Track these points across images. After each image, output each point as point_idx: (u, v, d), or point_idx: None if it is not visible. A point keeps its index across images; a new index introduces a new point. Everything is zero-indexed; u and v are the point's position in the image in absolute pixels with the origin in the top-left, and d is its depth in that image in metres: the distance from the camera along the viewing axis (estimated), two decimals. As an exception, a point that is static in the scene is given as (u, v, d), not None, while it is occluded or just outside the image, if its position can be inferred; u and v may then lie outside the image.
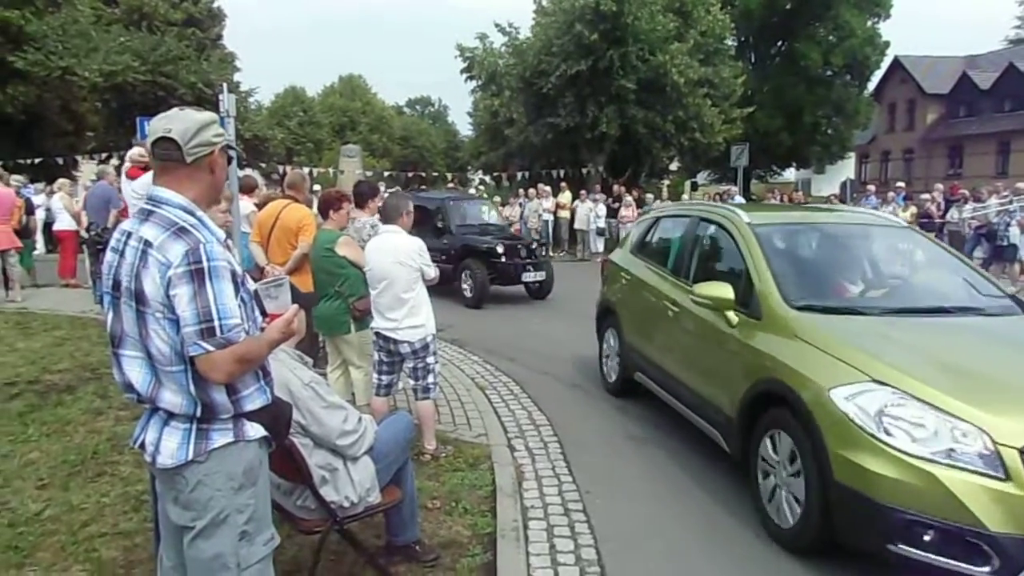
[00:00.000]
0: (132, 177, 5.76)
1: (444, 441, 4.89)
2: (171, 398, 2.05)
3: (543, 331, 9.15)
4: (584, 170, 21.44)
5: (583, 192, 18.61)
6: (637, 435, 5.40)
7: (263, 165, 23.13)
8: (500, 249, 10.86)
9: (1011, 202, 13.13)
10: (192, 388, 2.03)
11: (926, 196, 16.52)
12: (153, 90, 21.13)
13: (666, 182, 29.01)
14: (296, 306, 2.32)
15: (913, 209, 16.67)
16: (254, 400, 2.13)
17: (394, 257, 4.40)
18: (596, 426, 5.58)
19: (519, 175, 22.18)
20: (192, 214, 2.06)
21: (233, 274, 2.05)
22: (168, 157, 2.06)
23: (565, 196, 18.77)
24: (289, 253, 5.34)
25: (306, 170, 20.35)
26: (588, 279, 10.21)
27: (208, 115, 2.15)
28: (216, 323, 1.96)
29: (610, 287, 6.63)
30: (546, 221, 18.12)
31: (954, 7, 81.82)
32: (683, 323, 4.96)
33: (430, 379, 4.57)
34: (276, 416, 2.26)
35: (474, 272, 10.68)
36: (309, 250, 5.12)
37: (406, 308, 4.44)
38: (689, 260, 5.28)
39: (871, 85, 33.58)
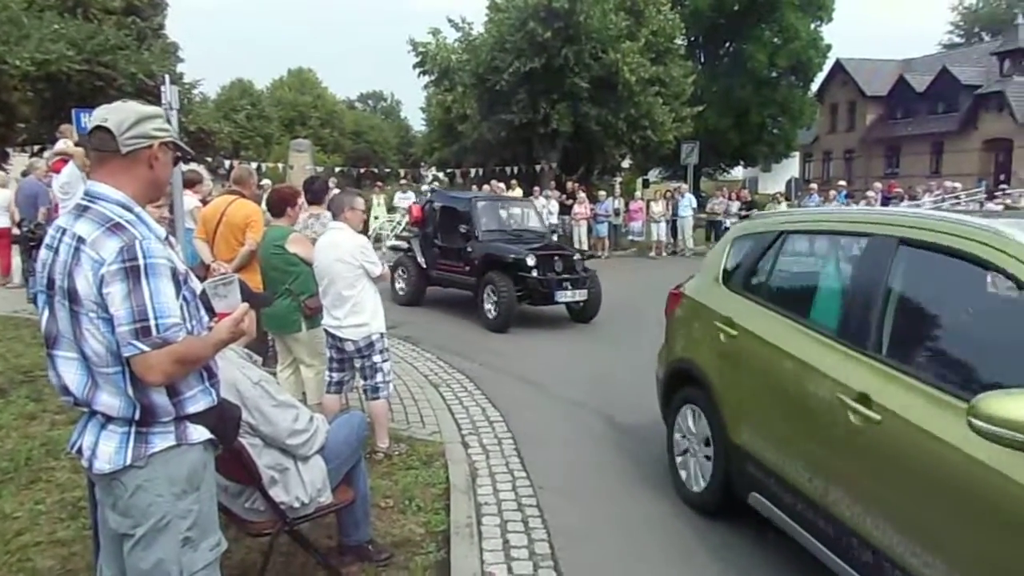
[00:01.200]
0: (55, 171, 5.54)
1: (397, 439, 4.85)
2: (108, 400, 1.97)
3: (493, 332, 9.15)
4: (537, 167, 21.53)
5: (536, 189, 18.67)
6: (592, 430, 5.46)
7: (209, 159, 22.46)
8: (530, 261, 8.79)
9: (943, 200, 13.74)
10: (130, 390, 1.96)
11: (871, 193, 17.19)
12: (90, 80, 20.26)
13: (619, 179, 29.34)
14: (246, 305, 2.26)
15: (853, 207, 17.34)
16: (198, 402, 2.07)
17: (335, 254, 4.35)
18: (551, 422, 5.62)
19: (473, 171, 22.13)
20: (130, 210, 1.98)
21: (174, 272, 1.98)
22: (102, 147, 1.98)
23: (518, 193, 18.79)
24: (236, 250, 5.20)
25: (254, 165, 19.89)
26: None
27: (152, 109, 2.08)
28: (152, 322, 1.88)
29: (687, 338, 4.37)
30: (500, 217, 18.11)
31: (892, 13, 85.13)
32: (886, 444, 2.63)
33: (379, 378, 4.53)
34: (223, 418, 2.20)
35: (498, 288, 8.66)
36: (257, 247, 5.00)
37: (348, 306, 4.38)
38: (878, 316, 2.91)
39: (814, 86, 34.70)
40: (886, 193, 17.17)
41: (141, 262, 1.89)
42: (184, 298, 2.03)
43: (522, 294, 8.88)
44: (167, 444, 2.01)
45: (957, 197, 14.20)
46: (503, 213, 10.47)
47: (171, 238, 2.12)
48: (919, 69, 36.02)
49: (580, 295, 9.07)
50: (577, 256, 9.56)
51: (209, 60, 61.87)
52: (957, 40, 46.64)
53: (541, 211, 12.17)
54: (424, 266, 10.21)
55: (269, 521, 2.80)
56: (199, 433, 2.08)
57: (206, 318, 2.17)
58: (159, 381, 1.94)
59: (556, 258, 9.20)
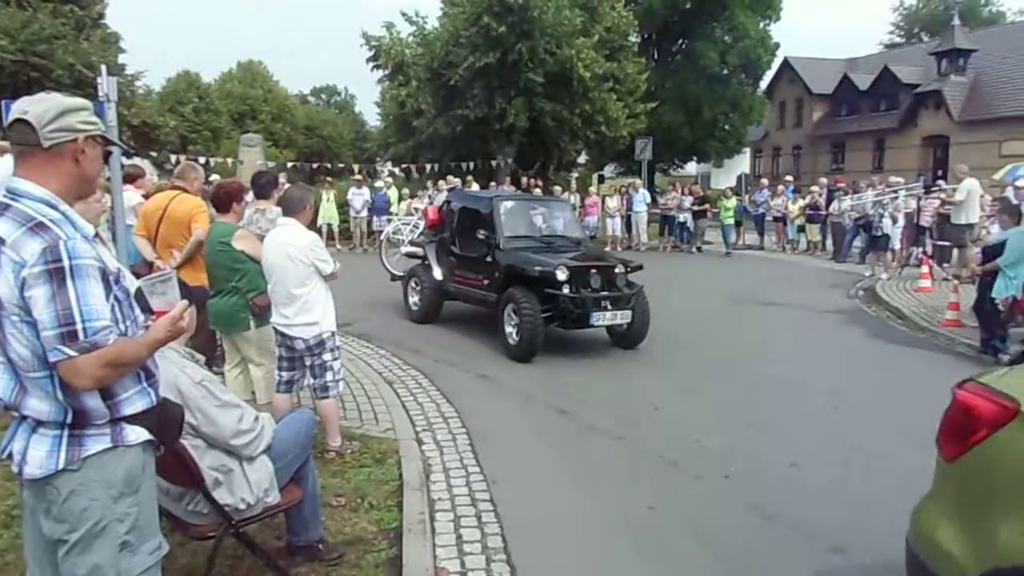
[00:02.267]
0: None
1: (350, 437, 4.81)
2: (37, 405, 1.90)
3: (450, 325, 9.13)
4: (493, 162, 21.52)
5: (493, 184, 18.66)
6: (545, 424, 5.50)
7: (154, 154, 21.75)
8: (561, 275, 7.12)
9: (884, 194, 14.23)
10: (59, 394, 1.89)
11: (815, 188, 17.70)
12: (24, 71, 19.42)
13: (575, 175, 29.54)
14: (184, 302, 2.20)
15: (801, 201, 17.85)
16: (134, 403, 2.01)
17: (285, 251, 4.28)
18: (504, 417, 5.64)
19: (428, 167, 21.98)
20: (55, 208, 1.90)
21: (103, 272, 1.91)
22: (22, 141, 1.90)
23: (474, 188, 18.74)
24: (180, 246, 5.06)
25: (203, 160, 19.36)
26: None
27: (77, 101, 2.00)
28: (79, 326, 1.82)
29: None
30: (456, 213, 18.04)
31: (837, 13, 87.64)
32: None
33: (329, 377, 4.47)
34: (164, 419, 2.14)
35: (520, 307, 7.07)
36: (204, 237, 4.87)
37: (298, 304, 4.32)
38: None
39: (763, 84, 35.50)
40: (831, 187, 17.69)
41: (66, 263, 1.82)
42: (116, 298, 1.97)
43: (551, 315, 7.24)
44: (102, 446, 1.95)
45: (896, 192, 14.71)
46: (531, 216, 8.73)
47: (101, 235, 2.05)
48: (862, 68, 37.22)
49: (622, 317, 7.38)
50: (620, 268, 7.68)
51: (153, 51, 59.83)
52: (898, 40, 48.28)
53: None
54: (439, 278, 8.81)
55: (213, 523, 2.74)
56: (136, 434, 2.02)
57: (141, 317, 2.11)
58: (89, 386, 1.88)
59: (593, 271, 7.46)
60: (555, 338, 7.62)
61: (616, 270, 7.66)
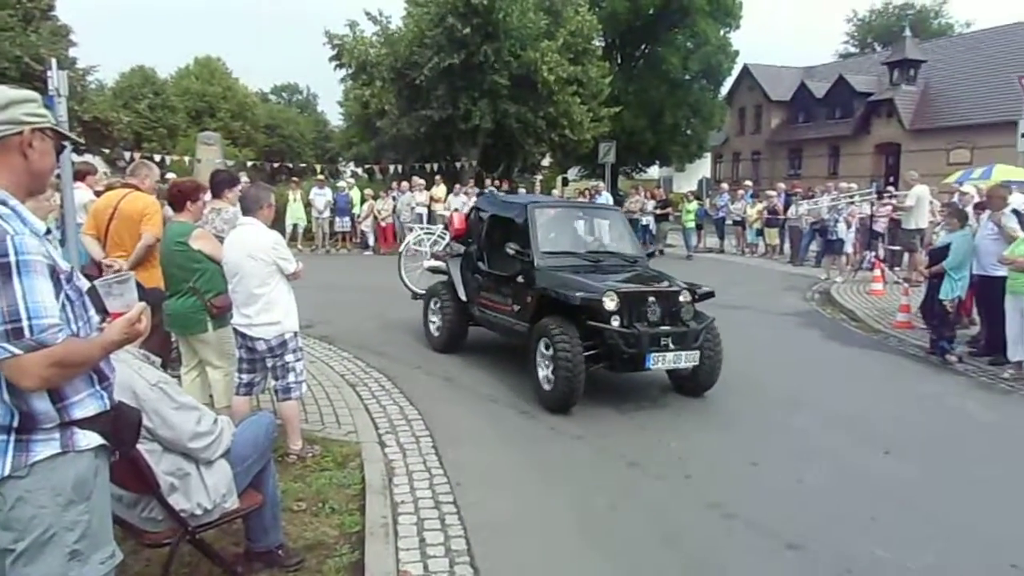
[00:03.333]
0: None
1: (311, 440, 4.74)
2: None
3: (414, 327, 9.07)
4: (458, 164, 21.47)
5: (457, 186, 18.62)
6: (508, 426, 5.50)
7: (106, 151, 21.13)
8: (609, 303, 5.64)
9: (839, 200, 14.63)
10: (6, 396, 1.82)
11: (772, 193, 18.12)
12: (-31, 63, 18.70)
13: (539, 177, 29.68)
14: (142, 304, 2.14)
15: (760, 206, 18.24)
16: (86, 407, 1.95)
17: (246, 251, 4.20)
18: (468, 418, 5.63)
19: (392, 168, 21.81)
20: (3, 203, 1.84)
21: (52, 269, 1.86)
22: None
23: (440, 190, 18.69)
24: (130, 246, 4.92)
25: (158, 158, 18.87)
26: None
27: (21, 93, 1.93)
28: (25, 323, 1.76)
29: None
30: (419, 215, 17.96)
31: (794, 22, 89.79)
32: None
33: (291, 378, 4.41)
34: (119, 423, 2.08)
35: (556, 343, 5.55)
36: (154, 241, 4.74)
37: (260, 304, 4.25)
38: None
39: (724, 90, 36.19)
40: (789, 192, 18.13)
41: (12, 259, 1.76)
42: (67, 297, 1.91)
43: (596, 353, 5.77)
44: (51, 452, 1.89)
45: (851, 198, 15.16)
46: (575, 227, 7.35)
47: (52, 233, 1.98)
48: (818, 76, 38.22)
49: (688, 358, 5.79)
50: (686, 295, 6.02)
51: (106, 45, 57.92)
52: (852, 50, 49.72)
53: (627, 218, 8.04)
54: (464, 299, 7.34)
55: (169, 530, 2.67)
56: (88, 439, 1.95)
57: (95, 318, 2.05)
58: (35, 386, 1.81)
59: (651, 298, 5.86)
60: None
61: (681, 297, 5.96)
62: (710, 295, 6.34)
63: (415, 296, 8.90)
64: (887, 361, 7.88)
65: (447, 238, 9.39)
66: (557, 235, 6.96)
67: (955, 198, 10.38)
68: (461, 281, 7.42)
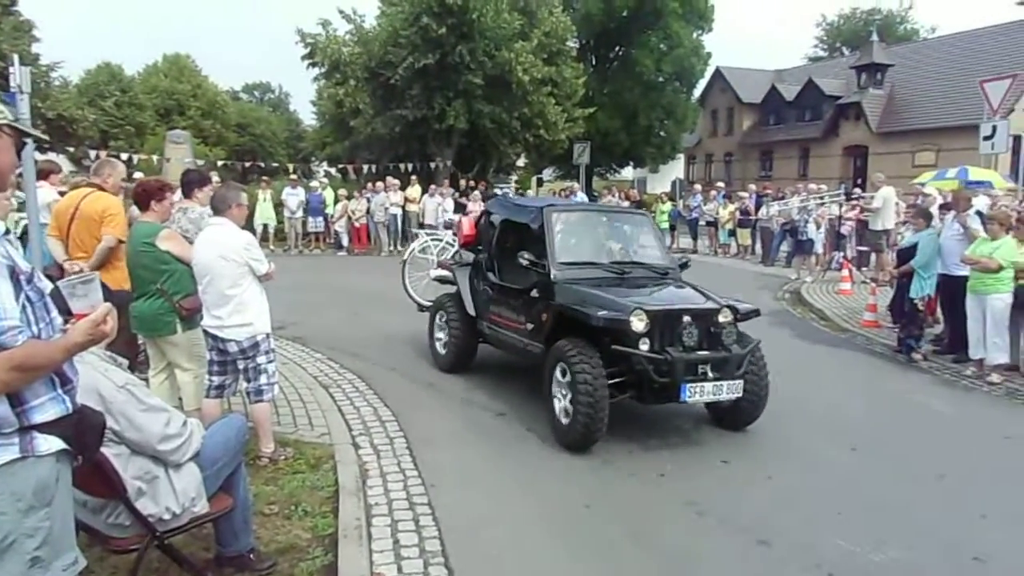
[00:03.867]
0: None
1: (284, 443, 4.69)
2: None
3: (389, 328, 9.02)
4: (432, 164, 21.39)
5: (432, 186, 18.55)
6: (483, 427, 5.49)
7: (71, 149, 20.66)
8: (638, 324, 4.84)
9: (808, 201, 14.88)
10: None
11: (743, 194, 18.38)
12: (-72, 59, 18.13)
13: (513, 178, 29.75)
14: (107, 305, 2.10)
15: (731, 207, 18.48)
16: (46, 411, 1.90)
17: (217, 251, 4.15)
18: (443, 419, 5.61)
19: (366, 168, 21.66)
20: None
21: (12, 270, 1.81)
22: None
23: (414, 190, 18.60)
24: (92, 247, 4.80)
25: (125, 156, 18.51)
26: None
27: None
28: None
29: None
30: (394, 215, 17.87)
31: (765, 25, 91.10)
32: None
33: (263, 380, 4.36)
34: (82, 427, 2.04)
35: (574, 370, 4.84)
36: (115, 243, 4.63)
37: (231, 305, 4.19)
38: None
39: (697, 92, 36.60)
40: (760, 193, 18.40)
41: None
42: (28, 299, 1.86)
43: (622, 381, 5.02)
44: (10, 457, 1.84)
45: (821, 199, 15.43)
46: (598, 234, 6.41)
47: (12, 234, 1.94)
48: (788, 79, 38.84)
49: (731, 389, 4.99)
50: (727, 315, 5.17)
51: (71, 41, 56.66)
52: (821, 53, 50.62)
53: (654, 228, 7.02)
54: (472, 313, 6.61)
55: (136, 536, 2.62)
56: (49, 444, 1.91)
57: (58, 320, 2.00)
58: None
59: (686, 318, 5.04)
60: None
61: (721, 317, 5.14)
62: (755, 313, 5.47)
63: (421, 308, 8.20)
64: (855, 359, 8.03)
65: (456, 245, 8.50)
66: (577, 243, 6.10)
67: (919, 200, 10.63)
68: (469, 293, 6.68)
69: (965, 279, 7.05)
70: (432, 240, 10.35)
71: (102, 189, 4.97)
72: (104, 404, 2.46)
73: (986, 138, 10.96)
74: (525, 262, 5.67)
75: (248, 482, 3.28)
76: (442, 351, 6.94)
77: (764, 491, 4.42)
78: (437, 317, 7.07)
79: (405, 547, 3.56)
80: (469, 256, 7.04)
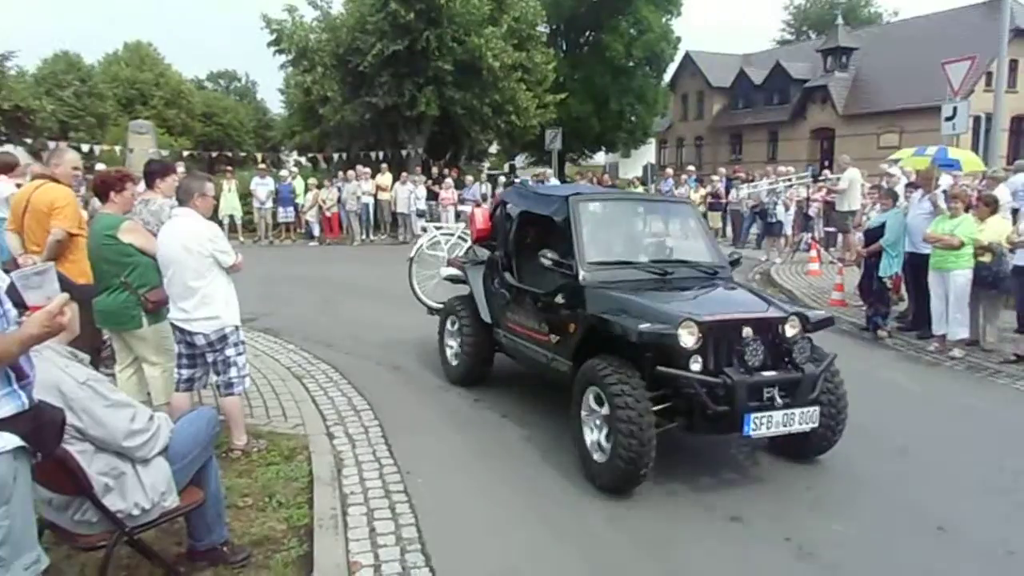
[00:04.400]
0: None
1: (257, 435, 4.64)
2: None
3: (363, 318, 8.96)
4: (404, 152, 21.19)
5: (404, 174, 18.40)
6: (459, 414, 5.49)
7: (29, 141, 20.05)
8: (687, 337, 4.00)
9: (777, 183, 15.08)
10: None
11: (715, 177, 18.56)
12: None
13: (486, 164, 29.61)
14: (64, 295, 2.05)
15: (703, 190, 18.63)
16: (2, 407, 1.86)
17: (181, 242, 4.07)
18: (418, 407, 5.60)
19: (336, 156, 21.38)
20: None
21: None
22: None
23: (385, 178, 18.43)
24: (44, 240, 4.66)
25: (86, 148, 18.04)
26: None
27: None
28: None
29: None
30: (366, 204, 17.70)
31: (732, 10, 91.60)
32: None
33: (233, 373, 4.30)
34: (39, 424, 1.99)
35: (611, 395, 4.01)
36: (64, 236, 4.48)
37: (197, 298, 4.12)
38: None
39: (667, 77, 36.76)
40: (730, 177, 18.59)
41: None
42: None
43: (669, 407, 4.17)
44: None
45: (789, 181, 15.64)
46: (633, 227, 5.65)
47: None
48: (757, 63, 39.17)
49: (804, 418, 4.10)
50: (795, 325, 4.34)
51: (26, 30, 54.90)
52: (789, 37, 51.08)
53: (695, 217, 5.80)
54: (487, 319, 5.82)
55: (104, 532, 2.58)
56: (4, 441, 1.87)
57: (13, 312, 1.95)
58: None
59: (746, 330, 4.17)
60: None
61: (789, 328, 4.28)
62: (828, 322, 4.71)
63: (431, 311, 7.40)
64: (822, 337, 8.02)
65: (469, 240, 7.58)
66: (609, 238, 5.22)
67: (882, 181, 10.82)
68: (484, 297, 5.89)
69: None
70: (443, 235, 9.13)
71: (54, 180, 4.81)
72: (65, 401, 2.41)
73: (947, 119, 11.19)
74: (548, 262, 4.76)
75: (220, 475, 3.24)
76: (453, 361, 6.14)
77: (734, 469, 4.50)
78: (448, 323, 6.26)
79: (382, 535, 3.56)
80: (484, 253, 6.25)
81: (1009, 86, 22.99)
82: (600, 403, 4.11)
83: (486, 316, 5.81)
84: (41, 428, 1.99)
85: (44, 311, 1.92)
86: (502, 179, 22.44)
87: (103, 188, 4.39)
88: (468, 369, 5.98)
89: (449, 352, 6.24)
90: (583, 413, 4.29)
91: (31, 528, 1.99)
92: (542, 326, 5.09)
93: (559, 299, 4.81)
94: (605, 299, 4.47)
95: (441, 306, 6.77)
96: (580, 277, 4.68)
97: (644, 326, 3.94)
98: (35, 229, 4.69)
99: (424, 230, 8.84)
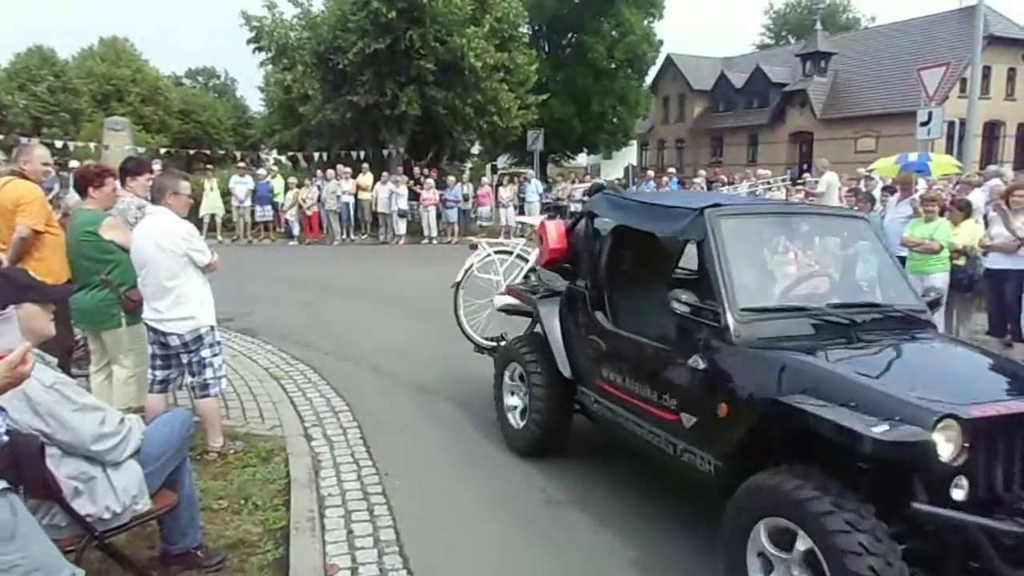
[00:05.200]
0: None
1: (233, 437, 4.58)
2: None
3: (342, 318, 8.89)
4: (385, 151, 21.09)
5: (385, 174, 18.31)
6: (438, 415, 5.47)
7: (1, 136, 19.65)
8: (947, 448, 2.40)
9: (756, 186, 15.23)
10: None
11: (697, 180, 18.70)
12: None
13: (468, 165, 29.55)
14: (26, 344, 1.94)
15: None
16: None
17: (153, 240, 4.00)
18: (398, 408, 5.56)
19: (317, 155, 21.21)
20: None
21: None
22: None
23: (366, 178, 18.33)
24: (9, 239, 4.55)
25: (60, 144, 17.73)
26: (392, 262, 10.12)
27: None
28: None
29: None
30: (346, 204, 17.58)
31: (714, 13, 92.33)
32: None
33: (208, 374, 4.23)
34: (16, 459, 1.95)
35: (830, 546, 2.32)
36: (29, 234, 4.38)
37: (171, 298, 4.06)
38: None
39: (649, 79, 36.96)
40: (711, 179, 18.75)
41: None
42: None
43: (918, 552, 2.48)
44: None
45: (768, 184, 15.80)
46: (795, 253, 4.08)
47: None
48: (737, 67, 39.58)
49: None
50: None
51: None
52: (769, 41, 51.68)
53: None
54: (568, 374, 4.36)
55: (73, 536, 2.52)
56: None
57: None
58: None
59: None
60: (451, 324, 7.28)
61: None
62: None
63: (480, 348, 6.00)
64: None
65: (532, 261, 6.03)
66: (767, 272, 3.68)
67: (861, 184, 10.96)
68: (562, 341, 4.40)
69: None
70: (498, 254, 6.86)
71: (23, 176, 4.69)
72: (31, 405, 2.36)
73: (923, 124, 11.38)
74: (684, 308, 3.23)
75: (194, 477, 3.19)
76: (518, 425, 4.65)
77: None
78: (507, 373, 4.79)
79: (359, 537, 3.52)
80: (557, 281, 4.78)
81: (982, 92, 23.48)
82: (812, 565, 2.48)
83: (566, 370, 4.32)
84: (19, 462, 1.94)
85: (5, 362, 1.85)
86: (485, 177, 22.40)
87: (83, 183, 4.32)
88: (539, 437, 4.46)
89: (510, 414, 4.73)
90: (748, 555, 2.69)
91: (53, 549, 1.99)
92: (663, 398, 3.47)
93: (695, 362, 3.24)
94: (777, 368, 2.93)
95: (494, 343, 5.67)
96: (730, 331, 3.12)
97: (881, 430, 2.34)
98: (1, 227, 4.56)
99: (475, 247, 7.01)
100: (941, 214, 7.12)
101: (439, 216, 17.94)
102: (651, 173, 21.74)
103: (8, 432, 1.97)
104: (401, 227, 17.68)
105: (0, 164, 7.90)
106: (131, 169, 4.74)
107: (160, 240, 4.00)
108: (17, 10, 75.71)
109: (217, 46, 72.73)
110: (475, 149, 28.52)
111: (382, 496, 3.98)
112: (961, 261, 6.92)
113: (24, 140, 18.46)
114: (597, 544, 3.59)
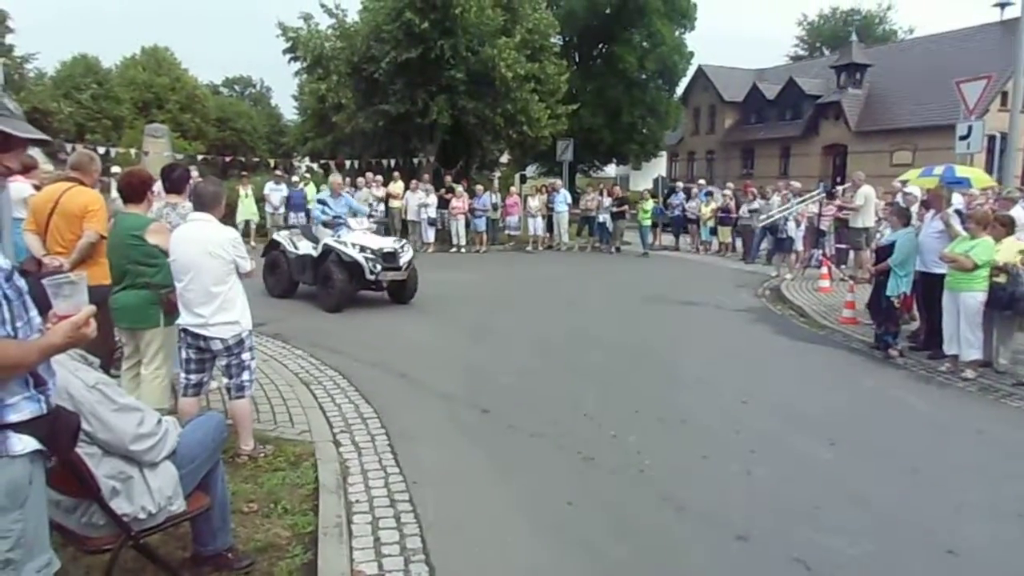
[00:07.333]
0: None
1: (263, 440, 4.64)
2: None
3: (371, 325, 8.97)
4: (415, 160, 21.29)
5: (415, 182, 18.48)
6: (466, 424, 5.48)
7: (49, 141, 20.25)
8: None
9: (789, 200, 15.01)
10: None
11: (726, 192, 18.54)
12: (-103, 48, 17.70)
13: (497, 174, 29.65)
14: (91, 307, 2.05)
15: (714, 204, 18.60)
16: (21, 410, 1.87)
17: (203, 247, 4.09)
18: (425, 416, 5.59)
19: (348, 163, 21.50)
20: None
21: None
22: None
23: (397, 186, 18.52)
24: (71, 243, 4.72)
25: (103, 150, 18.21)
26: (422, 270, 10.19)
27: None
28: None
29: None
30: (378, 211, 17.75)
31: (746, 24, 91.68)
32: None
33: (245, 376, 4.31)
34: (56, 428, 2.00)
35: None
36: (97, 239, 4.56)
37: (217, 303, 4.13)
38: None
39: (679, 90, 36.79)
40: (740, 192, 18.55)
41: None
42: (6, 296, 1.83)
43: None
44: None
45: (801, 196, 15.57)
46: None
47: None
48: (770, 78, 39.19)
49: None
50: None
51: (46, 33, 55.52)
52: (802, 53, 51.10)
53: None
54: None
55: (110, 535, 2.58)
56: (24, 444, 1.88)
57: (37, 320, 1.97)
58: None
59: None
60: (481, 333, 7.46)
61: None
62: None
63: None
64: (833, 355, 8.12)
65: None
66: None
67: (898, 198, 10.76)
68: None
69: (943, 276, 7.15)
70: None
71: (82, 183, 4.87)
72: (74, 404, 2.42)
73: (962, 138, 11.13)
74: None
75: (226, 480, 3.24)
76: None
77: (743, 486, 4.45)
78: None
79: (386, 544, 3.54)
80: None
81: (1024, 106, 22.86)
82: None
83: None
84: (57, 432, 2.00)
85: (70, 322, 1.93)
86: (514, 187, 22.45)
87: (140, 187, 4.45)
88: None
89: None
90: None
91: (44, 531, 2.00)
92: None
93: None
94: None
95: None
96: None
97: None
98: (64, 231, 4.72)
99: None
100: (985, 229, 6.95)
101: (468, 225, 18.03)
102: (680, 184, 21.60)
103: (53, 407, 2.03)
104: (430, 235, 17.81)
105: (46, 171, 8.14)
106: (184, 176, 4.90)
107: (210, 247, 4.09)
108: (65, 22, 78.21)
109: (254, 56, 74.29)
110: (504, 158, 28.64)
111: (409, 504, 4.00)
112: (1002, 279, 6.75)
113: (68, 146, 19.00)
114: (624, 555, 3.56)
